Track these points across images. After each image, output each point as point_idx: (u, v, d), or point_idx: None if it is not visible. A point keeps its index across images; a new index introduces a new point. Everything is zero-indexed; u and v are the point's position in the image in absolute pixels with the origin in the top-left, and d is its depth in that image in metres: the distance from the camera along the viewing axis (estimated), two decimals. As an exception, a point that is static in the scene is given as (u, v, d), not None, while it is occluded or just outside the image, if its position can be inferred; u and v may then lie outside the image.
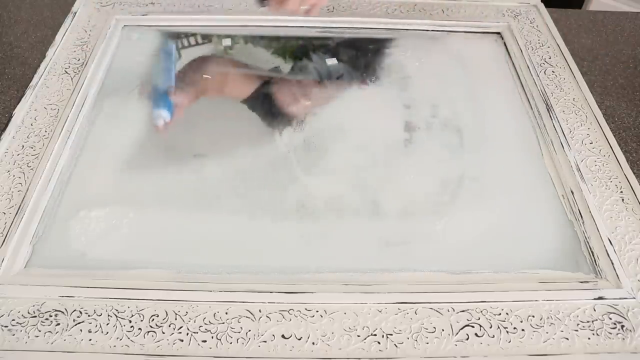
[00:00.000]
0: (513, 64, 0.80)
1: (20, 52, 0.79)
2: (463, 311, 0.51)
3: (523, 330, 0.50)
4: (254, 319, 0.50)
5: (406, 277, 0.54)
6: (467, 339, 0.49)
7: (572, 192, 0.62)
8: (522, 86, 0.76)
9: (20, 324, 0.48)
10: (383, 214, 0.60)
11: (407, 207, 0.61)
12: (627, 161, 0.65)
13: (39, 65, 0.74)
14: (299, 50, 0.74)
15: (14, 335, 0.48)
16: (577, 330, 0.50)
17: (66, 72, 0.73)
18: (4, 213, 0.57)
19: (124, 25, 0.83)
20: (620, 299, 0.52)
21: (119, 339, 0.48)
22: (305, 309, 0.50)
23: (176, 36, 0.81)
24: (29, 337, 0.48)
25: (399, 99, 0.74)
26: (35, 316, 0.49)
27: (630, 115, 0.74)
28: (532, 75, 0.76)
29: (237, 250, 0.56)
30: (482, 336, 0.49)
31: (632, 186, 0.62)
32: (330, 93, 0.63)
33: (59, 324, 0.48)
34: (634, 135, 0.70)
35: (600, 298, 0.52)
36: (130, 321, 0.49)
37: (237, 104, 0.72)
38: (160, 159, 0.65)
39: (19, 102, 0.68)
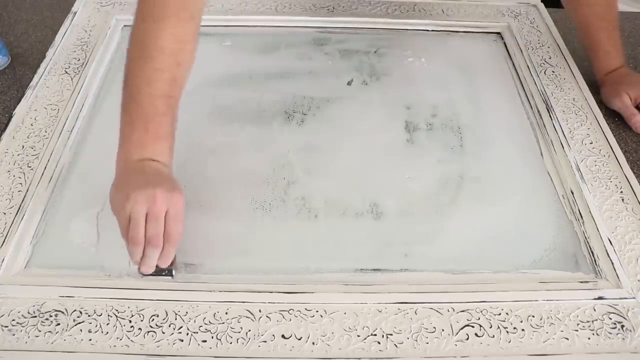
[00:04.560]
0: (513, 64, 0.80)
1: (20, 52, 0.79)
2: (463, 311, 0.51)
3: (523, 330, 0.50)
4: (254, 319, 0.50)
5: (406, 277, 0.54)
6: (467, 339, 0.49)
7: (572, 192, 0.62)
8: (522, 86, 0.76)
9: (20, 324, 0.48)
10: (383, 214, 0.60)
11: (407, 207, 0.61)
12: (627, 161, 0.65)
13: (39, 65, 0.74)
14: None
15: (14, 335, 0.48)
16: (577, 330, 0.50)
17: (66, 72, 0.73)
18: (4, 213, 0.57)
19: (124, 25, 0.82)
20: (620, 299, 0.52)
21: (119, 339, 0.48)
22: (305, 309, 0.50)
23: None
24: (29, 337, 0.48)
25: (399, 99, 0.74)
26: (35, 316, 0.49)
27: (630, 115, 0.74)
28: (532, 75, 0.76)
29: (238, 250, 0.56)
30: (482, 336, 0.49)
31: (632, 186, 0.62)
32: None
33: (59, 324, 0.48)
34: (634, 135, 0.70)
35: (600, 298, 0.52)
36: (130, 321, 0.49)
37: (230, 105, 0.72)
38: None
39: (19, 102, 0.68)
